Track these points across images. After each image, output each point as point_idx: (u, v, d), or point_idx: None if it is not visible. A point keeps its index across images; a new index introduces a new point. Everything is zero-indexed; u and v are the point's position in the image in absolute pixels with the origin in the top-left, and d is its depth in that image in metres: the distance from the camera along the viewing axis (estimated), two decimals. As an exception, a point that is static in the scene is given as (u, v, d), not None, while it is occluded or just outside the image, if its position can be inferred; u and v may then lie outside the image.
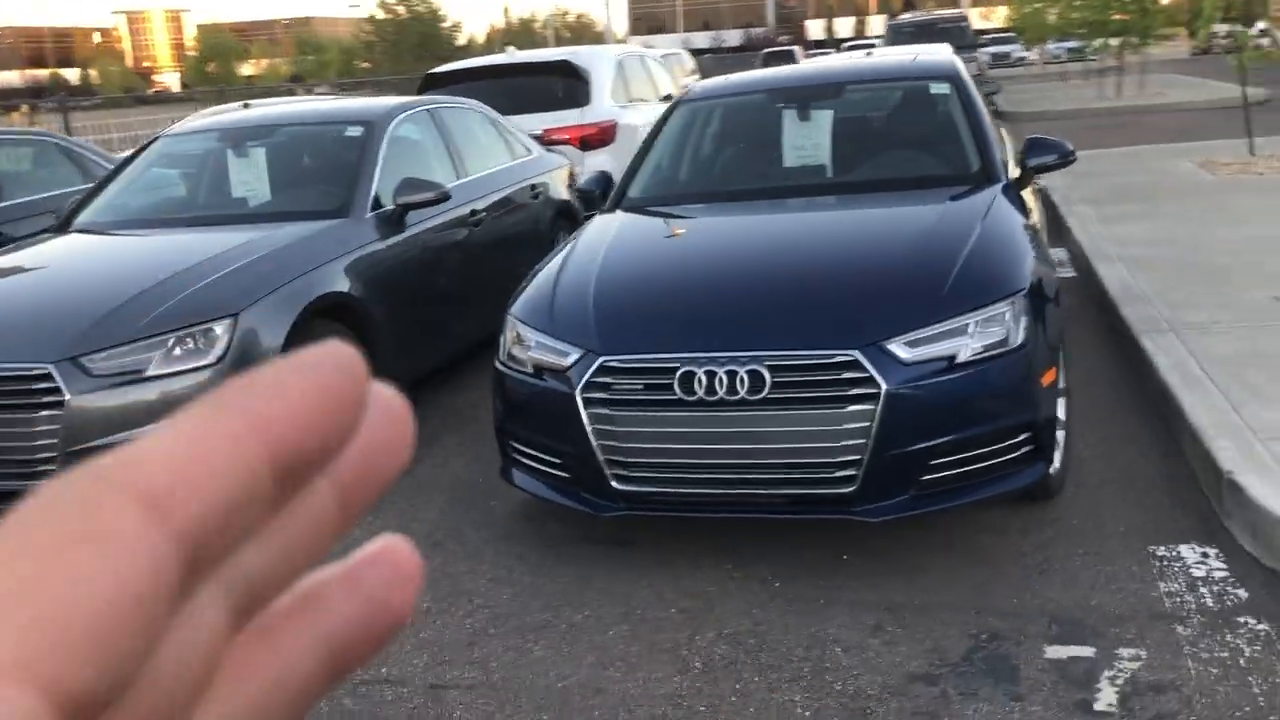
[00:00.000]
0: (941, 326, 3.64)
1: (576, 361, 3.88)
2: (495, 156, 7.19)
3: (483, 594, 3.91)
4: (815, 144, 5.27)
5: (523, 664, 3.43)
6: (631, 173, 5.37)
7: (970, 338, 3.64)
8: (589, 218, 5.22)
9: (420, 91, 9.38)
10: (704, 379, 3.65)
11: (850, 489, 3.60)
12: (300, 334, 4.71)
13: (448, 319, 6.07)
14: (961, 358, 3.62)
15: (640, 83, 10.99)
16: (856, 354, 3.57)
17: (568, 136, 9.17)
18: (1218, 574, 3.57)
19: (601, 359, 3.81)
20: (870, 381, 3.54)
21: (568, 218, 7.93)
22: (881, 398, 3.52)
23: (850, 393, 3.56)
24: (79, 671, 0.21)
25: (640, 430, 3.75)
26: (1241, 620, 3.29)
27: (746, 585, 3.78)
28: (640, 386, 3.77)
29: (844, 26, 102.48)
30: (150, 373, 4.32)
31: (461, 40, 76.34)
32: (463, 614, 3.78)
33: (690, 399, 3.67)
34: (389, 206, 5.68)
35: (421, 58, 59.11)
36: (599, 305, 4.05)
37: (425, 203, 5.75)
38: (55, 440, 4.23)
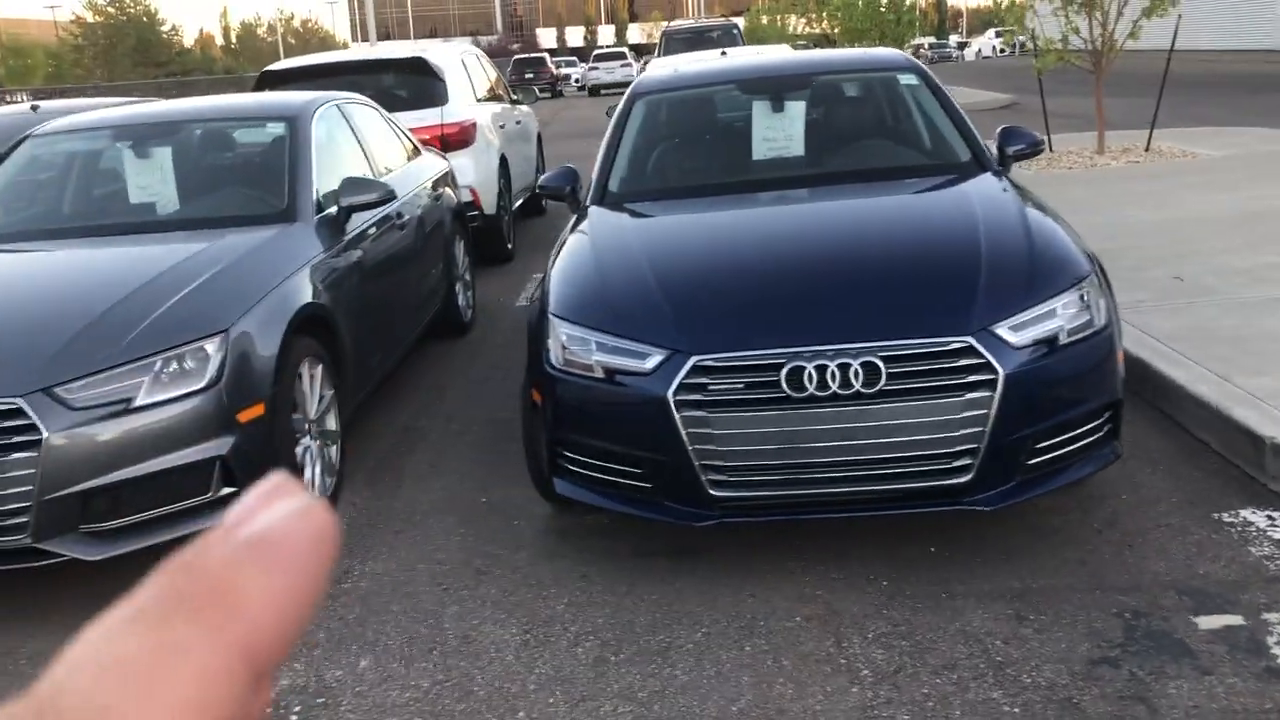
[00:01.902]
0: (1036, 310, 3.63)
1: (662, 363, 3.62)
2: (398, 155, 6.71)
3: (573, 620, 3.58)
4: (789, 135, 5.19)
5: (673, 691, 3.15)
6: (607, 168, 5.11)
7: (1061, 320, 3.65)
8: (578, 214, 4.93)
9: (256, 90, 8.67)
10: (814, 374, 3.48)
11: (965, 479, 3.53)
12: (289, 351, 4.19)
13: (390, 327, 5.60)
14: (1061, 340, 3.62)
15: (480, 81, 10.61)
16: (971, 340, 3.51)
17: (428, 137, 8.71)
18: (1296, 534, 3.73)
19: (694, 359, 3.57)
20: (988, 367, 3.48)
21: (461, 219, 7.53)
22: (1000, 383, 3.47)
23: (968, 380, 3.49)
24: None
25: (741, 432, 3.54)
26: (1347, 576, 3.45)
27: (855, 586, 3.64)
28: (740, 386, 3.56)
29: (574, 36, 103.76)
30: (140, 401, 3.71)
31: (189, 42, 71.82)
32: (567, 643, 3.45)
33: (799, 395, 3.49)
34: (331, 209, 5.16)
35: (140, 63, 55.24)
36: (675, 301, 3.81)
37: (371, 204, 5.27)
38: (30, 487, 3.56)
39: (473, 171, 8.96)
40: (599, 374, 3.76)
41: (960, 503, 3.57)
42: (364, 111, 6.53)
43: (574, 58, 52.84)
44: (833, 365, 3.48)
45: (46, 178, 5.51)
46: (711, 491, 3.60)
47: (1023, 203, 4.33)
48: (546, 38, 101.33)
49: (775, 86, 5.37)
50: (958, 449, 3.51)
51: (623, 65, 41.18)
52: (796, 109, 5.23)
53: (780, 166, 5.08)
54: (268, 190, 5.21)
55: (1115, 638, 3.22)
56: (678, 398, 3.56)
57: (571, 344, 3.86)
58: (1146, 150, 11.83)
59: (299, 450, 4.30)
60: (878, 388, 3.47)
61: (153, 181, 5.34)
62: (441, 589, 3.88)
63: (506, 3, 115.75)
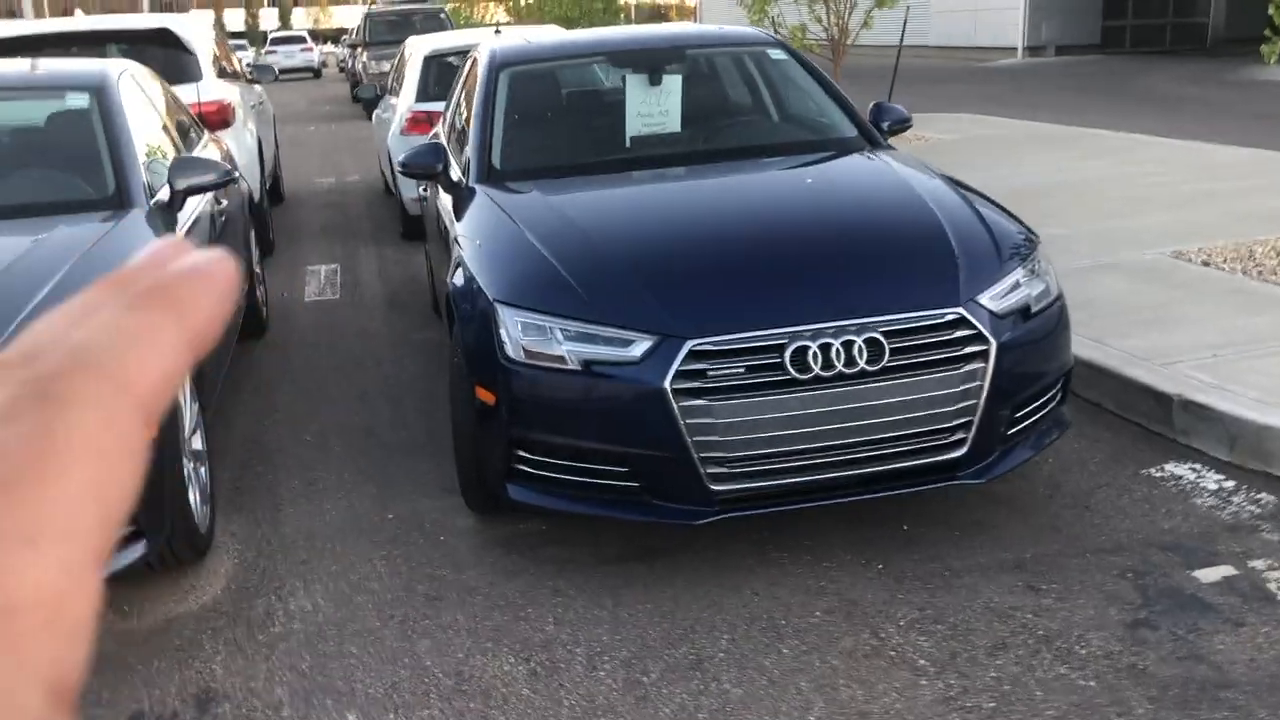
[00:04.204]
0: (1006, 281, 3.62)
1: (652, 349, 3.31)
2: (192, 134, 5.90)
3: (573, 640, 3.21)
4: (669, 110, 4.96)
5: (735, 708, 2.87)
6: (486, 144, 4.68)
7: (1027, 289, 3.66)
8: (460, 192, 4.48)
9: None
10: (819, 353, 3.30)
11: (960, 453, 3.47)
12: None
13: (226, 332, 4.88)
14: (1033, 309, 3.63)
15: (220, 56, 9.62)
16: (962, 311, 3.44)
17: (185, 117, 7.77)
18: (1228, 484, 3.94)
19: (689, 343, 3.29)
20: (980, 338, 3.43)
21: (251, 199, 6.78)
22: (993, 353, 3.43)
23: (964, 351, 3.42)
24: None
25: (745, 420, 3.29)
26: (1292, 519, 3.68)
27: (854, 573, 3.49)
28: (741, 370, 3.31)
29: (234, 19, 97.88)
30: None
31: None
32: (582, 668, 3.08)
33: (805, 377, 3.30)
34: (161, 193, 4.43)
35: None
36: (651, 281, 3.49)
37: (208, 186, 4.57)
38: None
39: (235, 155, 8.09)
40: (572, 365, 3.39)
41: (954, 478, 3.50)
42: (152, 84, 5.69)
43: (243, 41, 49.54)
44: (837, 343, 3.31)
45: None
46: (711, 486, 3.34)
47: (948, 178, 4.34)
48: (206, 20, 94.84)
49: (649, 60, 5.12)
50: (954, 423, 3.43)
51: (303, 50, 39.10)
52: (673, 83, 5.01)
53: (671, 143, 4.85)
54: (80, 171, 4.39)
55: (1134, 599, 3.25)
56: (675, 386, 3.26)
57: (528, 333, 3.47)
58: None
59: (186, 473, 3.64)
60: (881, 364, 3.33)
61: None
62: (397, 621, 3.39)
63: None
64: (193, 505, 3.69)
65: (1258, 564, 3.40)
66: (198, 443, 3.99)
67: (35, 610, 0.27)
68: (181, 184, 4.44)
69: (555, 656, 3.15)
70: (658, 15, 52.09)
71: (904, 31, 12.28)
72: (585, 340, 3.40)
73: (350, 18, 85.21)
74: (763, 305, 3.39)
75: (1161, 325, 5.09)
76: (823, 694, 2.90)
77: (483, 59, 5.21)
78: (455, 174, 4.75)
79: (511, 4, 31.09)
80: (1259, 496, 3.83)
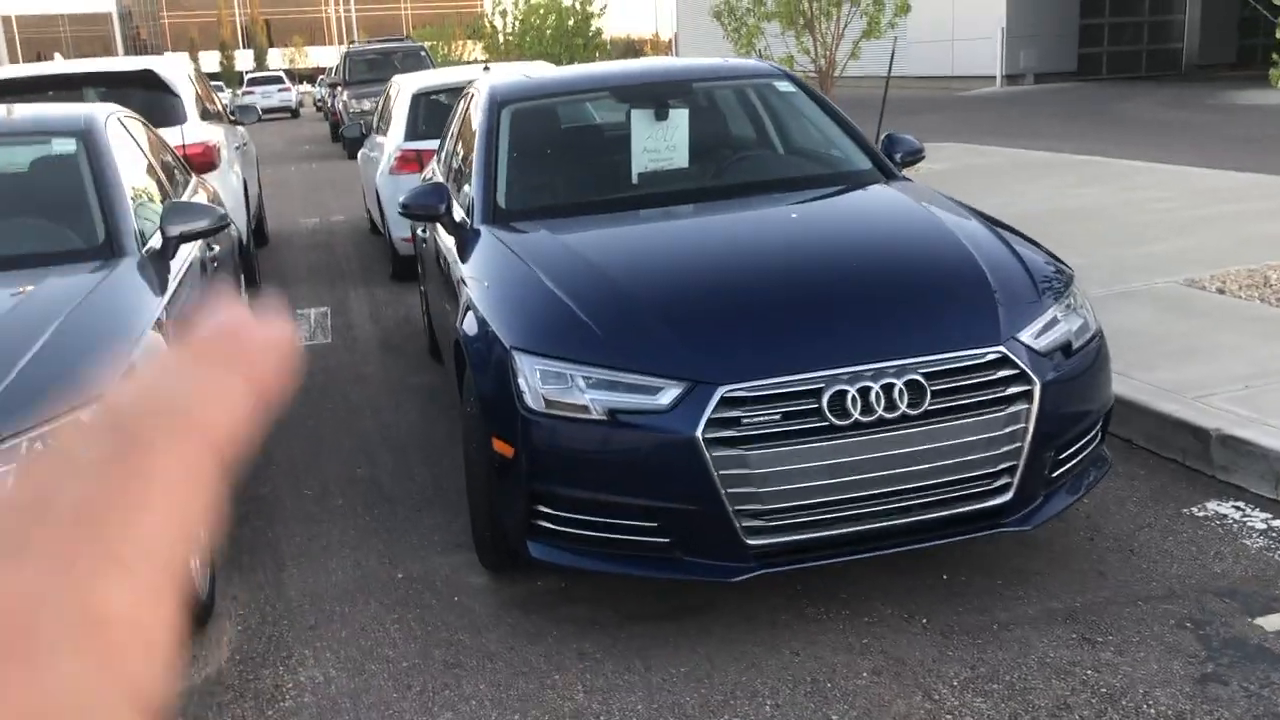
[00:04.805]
0: (1045, 317, 3.47)
1: (681, 396, 3.14)
2: (180, 178, 5.73)
3: (605, 710, 3.02)
4: (677, 145, 4.81)
5: (786, 783, 2.68)
6: (491, 183, 4.51)
7: (1066, 325, 3.51)
8: (465, 234, 4.30)
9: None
10: (858, 397, 3.13)
11: (1005, 499, 3.30)
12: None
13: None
14: (1074, 345, 3.47)
15: (203, 97, 9.46)
16: (1004, 350, 3.28)
17: (170, 160, 7.59)
18: (1276, 524, 3.79)
19: (721, 389, 3.11)
20: (1023, 378, 3.27)
21: (240, 243, 6.59)
22: (1037, 393, 3.26)
23: (1007, 392, 3.26)
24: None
25: (782, 470, 3.12)
26: (1348, 559, 3.52)
27: (897, 628, 3.31)
28: (777, 416, 3.14)
29: (209, 61, 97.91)
30: (11, 499, 2.76)
31: None
32: (621, 743, 2.88)
33: (844, 423, 3.12)
34: (154, 241, 4.24)
35: None
36: (678, 325, 3.32)
37: (202, 233, 4.38)
38: None
39: (222, 198, 7.92)
40: (596, 415, 3.21)
41: (1000, 524, 3.33)
42: (138, 128, 5.51)
43: (219, 83, 49.51)
44: (876, 386, 3.14)
45: None
46: (747, 540, 3.15)
47: (970, 209, 4.20)
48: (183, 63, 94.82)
49: (654, 94, 4.97)
50: (1000, 467, 3.27)
51: (281, 90, 39.00)
52: (680, 117, 4.86)
53: (683, 178, 4.70)
54: (67, 219, 4.20)
55: (1197, 651, 3.08)
56: (707, 436, 3.09)
57: (547, 381, 3.29)
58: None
59: (186, 540, 3.43)
60: (923, 408, 3.17)
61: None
62: (416, 692, 3.18)
63: (127, 25, 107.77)
64: (192, 570, 3.48)
65: (1321, 609, 3.24)
66: (196, 502, 3.78)
67: (125, 626, 0.30)
68: (174, 230, 4.25)
69: (646, 709, 2.94)
70: (632, 51, 52.30)
71: (892, 61, 12.24)
72: (609, 388, 3.22)
73: (326, 57, 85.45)
74: (796, 348, 3.22)
75: (1188, 356, 4.96)
76: (880, 764, 2.71)
77: (482, 96, 5.06)
78: (458, 214, 4.58)
79: (489, 41, 31.10)
80: (1311, 535, 3.68)
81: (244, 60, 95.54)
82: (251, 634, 3.59)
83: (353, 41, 29.49)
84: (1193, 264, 6.53)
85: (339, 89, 22.88)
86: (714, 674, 3.15)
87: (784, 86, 5.14)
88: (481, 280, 3.86)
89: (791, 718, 2.92)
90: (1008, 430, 3.25)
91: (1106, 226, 7.97)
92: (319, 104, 41.70)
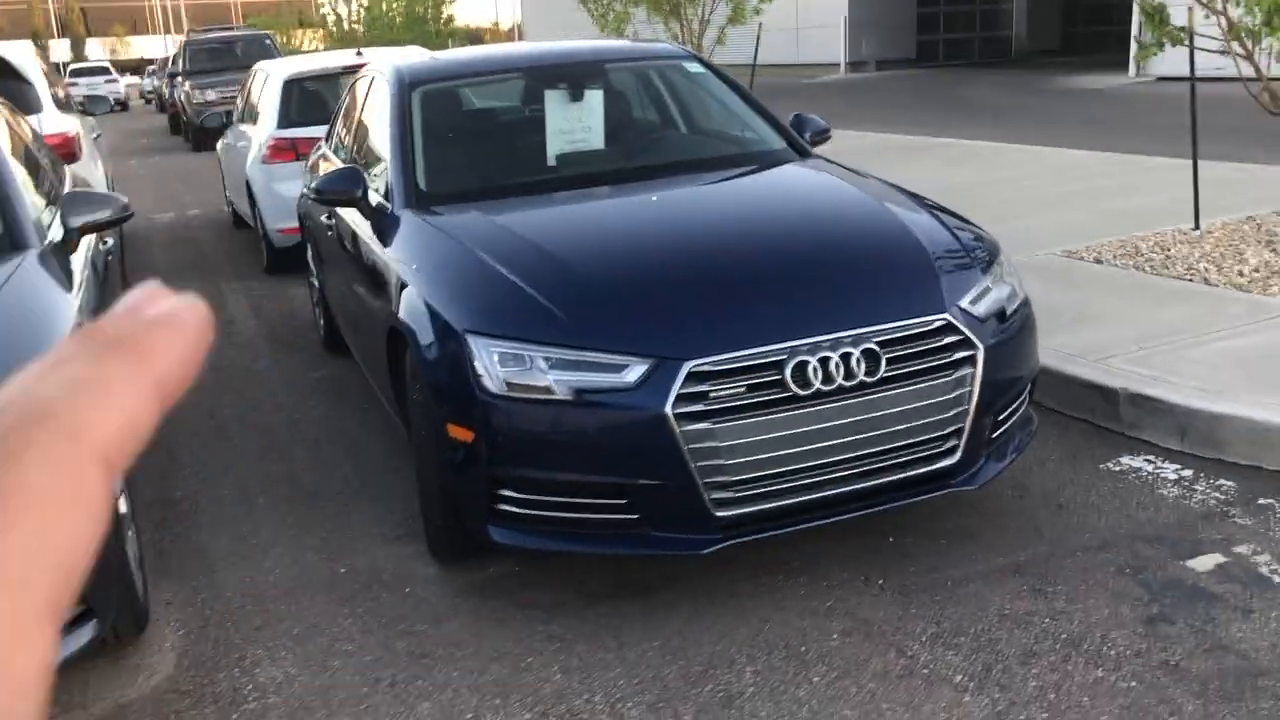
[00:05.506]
0: (979, 286, 3.60)
1: (648, 373, 3.14)
2: (56, 163, 5.41)
3: (586, 689, 3.00)
4: (588, 127, 4.80)
5: (782, 745, 2.72)
6: (409, 167, 4.41)
7: (998, 294, 3.65)
8: (385, 219, 4.20)
9: None
10: (818, 367, 3.19)
11: (954, 460, 3.42)
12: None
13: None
14: (1008, 312, 3.62)
15: (54, 87, 8.95)
16: (948, 317, 3.40)
17: (28, 151, 7.16)
18: (1185, 474, 4.03)
19: (688, 364, 3.13)
20: (968, 343, 3.39)
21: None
22: (981, 357, 3.39)
23: (954, 358, 3.37)
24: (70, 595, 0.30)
25: (749, 441, 3.16)
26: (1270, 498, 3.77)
27: (858, 590, 3.40)
28: (742, 389, 3.17)
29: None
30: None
31: None
32: (608, 715, 2.88)
33: (806, 392, 3.19)
34: (54, 233, 4.00)
35: None
36: (637, 302, 3.32)
37: (107, 223, 4.16)
38: None
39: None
40: (560, 395, 3.19)
41: (949, 485, 3.45)
42: (10, 115, 5.18)
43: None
44: (835, 356, 3.21)
45: None
46: (715, 512, 3.19)
47: (893, 185, 4.32)
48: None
49: (566, 76, 4.95)
50: (948, 430, 3.38)
51: (108, 81, 37.09)
52: (594, 99, 4.86)
53: (601, 160, 4.69)
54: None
55: (1140, 595, 3.26)
56: (676, 411, 3.10)
57: (506, 364, 3.25)
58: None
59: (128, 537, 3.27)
60: (879, 375, 3.25)
61: None
62: (386, 685, 3.11)
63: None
64: (134, 574, 3.32)
65: (1242, 549, 3.47)
66: (123, 505, 3.60)
67: None
68: (76, 221, 4.03)
69: (574, 708, 2.93)
70: (475, 39, 51.73)
71: (757, 48, 12.46)
72: (572, 368, 3.20)
73: (150, 47, 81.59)
74: (757, 321, 3.26)
75: (1081, 323, 5.22)
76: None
77: (388, 79, 4.93)
78: (374, 199, 4.46)
79: (329, 31, 30.33)
80: (1220, 483, 3.92)
81: (59, 51, 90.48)
82: (195, 638, 3.44)
83: (191, 30, 28.26)
84: (1068, 237, 6.86)
85: (179, 79, 21.92)
86: (688, 647, 3.17)
87: (693, 68, 5.18)
88: (415, 265, 3.78)
89: (774, 681, 2.97)
90: (954, 394, 3.37)
91: (978, 204, 8.29)
92: (147, 96, 39.86)
